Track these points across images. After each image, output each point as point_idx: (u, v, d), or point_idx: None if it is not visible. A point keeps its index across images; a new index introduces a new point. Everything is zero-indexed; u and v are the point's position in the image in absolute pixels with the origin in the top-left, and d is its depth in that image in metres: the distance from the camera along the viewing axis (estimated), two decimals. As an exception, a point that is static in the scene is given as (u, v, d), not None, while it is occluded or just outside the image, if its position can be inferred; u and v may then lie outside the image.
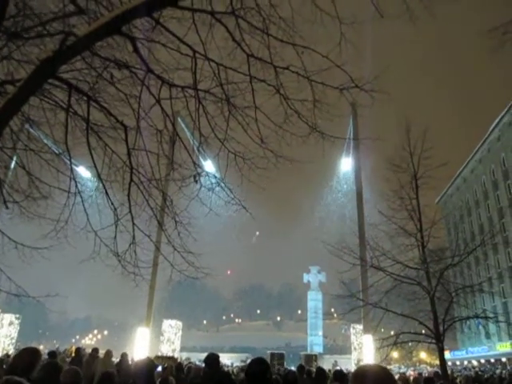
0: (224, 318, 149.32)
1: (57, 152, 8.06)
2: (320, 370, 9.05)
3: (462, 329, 37.40)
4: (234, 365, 38.34)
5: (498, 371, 36.59)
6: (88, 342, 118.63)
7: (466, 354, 57.90)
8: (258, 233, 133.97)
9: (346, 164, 33.40)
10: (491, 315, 18.10)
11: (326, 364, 30.76)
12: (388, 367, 29.52)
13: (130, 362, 14.44)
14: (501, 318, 25.51)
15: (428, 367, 50.70)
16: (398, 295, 16.64)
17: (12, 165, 8.65)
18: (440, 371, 14.54)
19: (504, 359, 46.77)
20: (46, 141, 8.43)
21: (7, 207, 7.82)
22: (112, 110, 6.64)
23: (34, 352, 4.24)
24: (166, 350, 31.50)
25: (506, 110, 49.51)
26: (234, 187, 7.13)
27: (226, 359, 47.45)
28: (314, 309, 62.84)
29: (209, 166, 8.62)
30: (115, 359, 15.03)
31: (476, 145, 58.87)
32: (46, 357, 11.51)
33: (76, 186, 6.98)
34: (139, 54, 5.75)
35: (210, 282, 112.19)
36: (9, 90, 6.07)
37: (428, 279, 14.96)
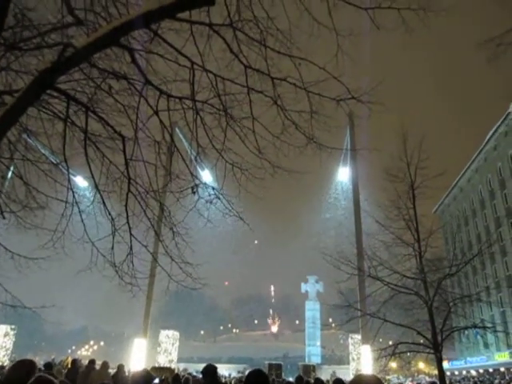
0: (221, 328, 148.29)
1: (54, 162, 8.04)
2: (318, 381, 9.00)
3: (460, 339, 37.34)
4: (232, 375, 38.07)
5: (496, 381, 36.50)
6: (84, 353, 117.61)
7: (464, 364, 57.59)
8: (256, 241, 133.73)
9: (344, 174, 33.52)
10: (489, 325, 18.09)
11: (324, 374, 30.62)
12: (386, 377, 29.39)
13: (126, 374, 14.33)
14: (499, 328, 25.42)
15: (426, 377, 50.38)
16: (395, 305, 16.63)
17: (9, 175, 8.64)
18: (437, 381, 14.49)
19: (502, 369, 46.54)
20: (43, 151, 8.41)
21: (4, 217, 7.78)
22: (110, 120, 6.64)
23: (30, 364, 4.18)
24: (163, 360, 31.28)
25: (502, 119, 49.77)
26: (231, 198, 7.13)
27: (224, 370, 47.08)
28: (312, 319, 62.64)
29: (206, 176, 8.62)
30: (112, 370, 14.90)
31: (472, 154, 59.11)
32: (42, 368, 11.42)
33: (73, 196, 6.97)
34: (137, 65, 5.78)
35: (207, 292, 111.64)
36: (7, 100, 6.08)
37: (426, 289, 14.95)
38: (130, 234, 6.72)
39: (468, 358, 56.36)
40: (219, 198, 7.01)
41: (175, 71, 6.38)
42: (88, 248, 6.95)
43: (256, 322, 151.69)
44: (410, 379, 49.58)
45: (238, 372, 43.81)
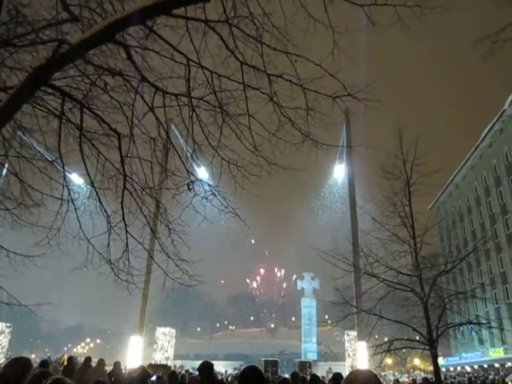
0: (218, 325, 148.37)
1: (49, 159, 7.99)
2: (314, 377, 9.03)
3: (455, 335, 37.49)
4: (228, 372, 38.16)
5: (490, 377, 36.77)
6: (80, 350, 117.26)
7: (459, 360, 57.95)
8: (253, 241, 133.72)
9: (340, 171, 33.52)
10: (484, 321, 18.19)
11: (321, 371, 30.65)
12: (382, 374, 29.51)
13: (123, 371, 14.31)
14: (493, 324, 25.58)
15: (422, 373, 50.69)
16: (391, 302, 16.69)
17: (4, 172, 8.59)
18: (432, 377, 14.57)
19: (497, 365, 46.85)
20: (38, 148, 8.36)
21: (-1, 215, 7.77)
22: (105, 117, 6.62)
23: (25, 361, 4.17)
24: (159, 358, 31.24)
25: (497, 116, 49.90)
26: (227, 195, 7.12)
27: (220, 367, 47.18)
28: (308, 315, 62.81)
29: (202, 173, 8.60)
30: (108, 368, 14.87)
31: (468, 152, 59.29)
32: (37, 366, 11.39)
33: (69, 193, 6.95)
34: (133, 61, 5.75)
35: (203, 289, 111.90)
36: (1, 97, 6.03)
37: (421, 286, 15.02)
38: (126, 231, 6.71)
39: (463, 354, 56.70)
40: (215, 195, 7.00)
41: (171, 68, 6.36)
42: (84, 245, 6.94)
43: (252, 318, 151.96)
44: (406, 375, 49.87)
45: (235, 369, 43.90)
